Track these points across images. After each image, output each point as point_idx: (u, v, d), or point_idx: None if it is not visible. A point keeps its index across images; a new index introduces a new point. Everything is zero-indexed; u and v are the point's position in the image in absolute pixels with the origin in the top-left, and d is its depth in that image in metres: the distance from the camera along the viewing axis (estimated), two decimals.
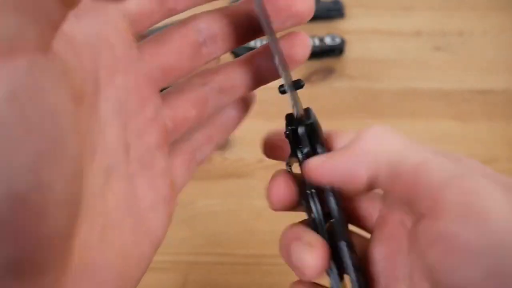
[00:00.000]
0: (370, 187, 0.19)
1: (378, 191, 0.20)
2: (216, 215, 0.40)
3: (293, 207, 0.22)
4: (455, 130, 0.46)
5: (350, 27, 0.57)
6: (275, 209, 0.22)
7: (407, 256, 0.18)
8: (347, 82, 0.50)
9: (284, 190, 0.21)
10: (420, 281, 0.17)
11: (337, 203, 0.20)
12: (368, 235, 0.21)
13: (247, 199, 0.41)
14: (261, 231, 0.39)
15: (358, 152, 0.19)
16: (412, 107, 0.48)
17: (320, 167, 0.19)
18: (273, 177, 0.22)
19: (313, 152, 0.21)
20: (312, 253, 0.19)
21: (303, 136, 0.21)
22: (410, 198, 0.17)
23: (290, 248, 0.20)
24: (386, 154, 0.18)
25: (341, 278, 0.20)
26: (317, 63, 0.52)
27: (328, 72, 0.51)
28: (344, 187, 0.19)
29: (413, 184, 0.17)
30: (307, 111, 0.22)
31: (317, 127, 0.22)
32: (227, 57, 0.53)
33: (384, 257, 0.19)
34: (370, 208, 0.21)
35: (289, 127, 0.21)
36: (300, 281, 0.22)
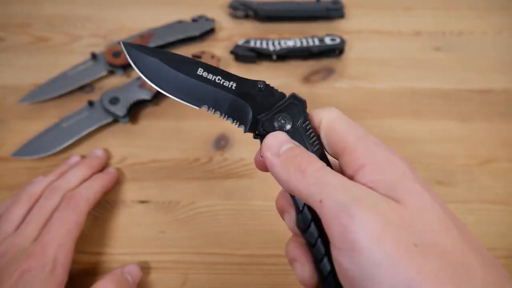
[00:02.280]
0: None
1: None
2: (216, 215, 0.40)
3: None
4: (455, 130, 0.46)
5: (350, 27, 0.57)
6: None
7: None
8: (347, 82, 0.50)
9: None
10: None
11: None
12: None
13: (247, 199, 0.41)
14: (261, 231, 0.39)
15: None
16: (412, 107, 0.48)
17: None
18: None
19: None
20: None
21: None
22: None
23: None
24: None
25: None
26: (317, 63, 0.52)
27: (328, 72, 0.51)
28: None
29: None
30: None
31: None
32: (227, 57, 0.53)
33: None
34: None
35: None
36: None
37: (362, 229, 0.17)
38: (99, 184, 0.39)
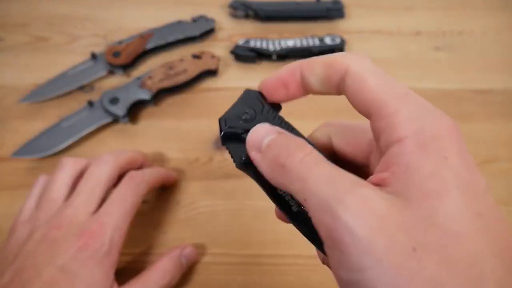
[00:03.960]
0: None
1: None
2: (216, 215, 0.40)
3: None
4: None
5: (350, 27, 0.57)
6: None
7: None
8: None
9: None
10: None
11: None
12: None
13: (247, 199, 0.41)
14: (261, 231, 0.39)
15: None
16: None
17: None
18: None
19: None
20: None
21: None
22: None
23: None
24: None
25: None
26: None
27: None
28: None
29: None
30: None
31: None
32: (227, 57, 0.53)
33: None
34: None
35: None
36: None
37: (348, 232, 0.15)
38: (159, 174, 0.38)
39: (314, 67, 0.21)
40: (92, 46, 0.53)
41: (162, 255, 0.35)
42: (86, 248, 0.30)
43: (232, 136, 0.22)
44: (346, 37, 0.53)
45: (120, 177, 0.36)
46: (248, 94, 0.23)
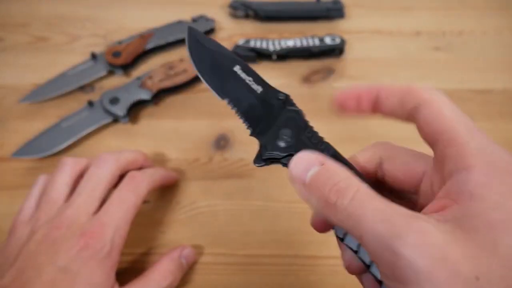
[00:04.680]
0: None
1: None
2: (216, 215, 0.40)
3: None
4: None
5: (350, 27, 0.57)
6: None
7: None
8: (347, 82, 0.50)
9: None
10: None
11: None
12: None
13: (247, 199, 0.41)
14: (261, 231, 0.39)
15: None
16: None
17: None
18: None
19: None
20: None
21: None
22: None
23: None
24: None
25: None
26: (317, 63, 0.52)
27: (328, 72, 0.51)
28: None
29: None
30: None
31: None
32: None
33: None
34: None
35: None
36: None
37: (409, 266, 0.15)
38: (161, 174, 0.38)
39: (393, 90, 0.22)
40: (92, 46, 0.53)
41: (161, 257, 0.35)
42: (87, 249, 0.29)
43: (272, 159, 0.23)
44: (346, 37, 0.53)
45: (120, 177, 0.36)
46: (284, 110, 0.24)
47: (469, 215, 0.16)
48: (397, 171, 0.22)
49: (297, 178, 0.20)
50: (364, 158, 0.23)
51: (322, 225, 0.23)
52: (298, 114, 0.24)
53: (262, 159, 0.23)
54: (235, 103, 0.25)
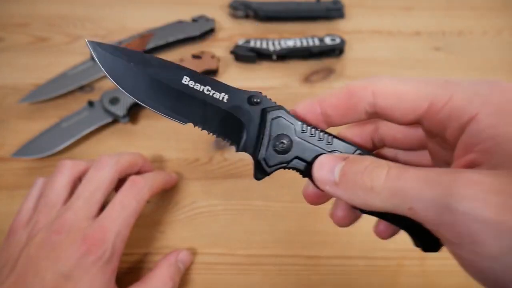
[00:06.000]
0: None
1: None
2: (216, 215, 0.40)
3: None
4: None
5: (350, 27, 0.57)
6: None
7: None
8: (347, 82, 0.50)
9: None
10: None
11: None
12: None
13: (247, 199, 0.41)
14: (262, 231, 0.39)
15: None
16: None
17: None
18: None
19: None
20: None
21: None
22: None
23: None
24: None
25: None
26: (317, 63, 0.52)
27: (328, 72, 0.51)
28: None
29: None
30: None
31: None
32: (227, 57, 0.53)
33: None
34: None
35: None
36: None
37: (473, 220, 0.14)
38: (162, 179, 0.38)
39: (332, 100, 0.22)
40: None
41: (158, 262, 0.34)
42: (89, 255, 0.29)
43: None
44: (346, 37, 0.53)
45: (119, 180, 0.35)
46: (267, 116, 0.22)
47: (503, 157, 0.16)
48: (394, 131, 0.22)
49: (326, 180, 0.20)
50: (353, 133, 0.23)
51: (315, 197, 0.23)
52: (283, 113, 0.22)
53: (268, 173, 0.22)
54: (203, 123, 0.22)
